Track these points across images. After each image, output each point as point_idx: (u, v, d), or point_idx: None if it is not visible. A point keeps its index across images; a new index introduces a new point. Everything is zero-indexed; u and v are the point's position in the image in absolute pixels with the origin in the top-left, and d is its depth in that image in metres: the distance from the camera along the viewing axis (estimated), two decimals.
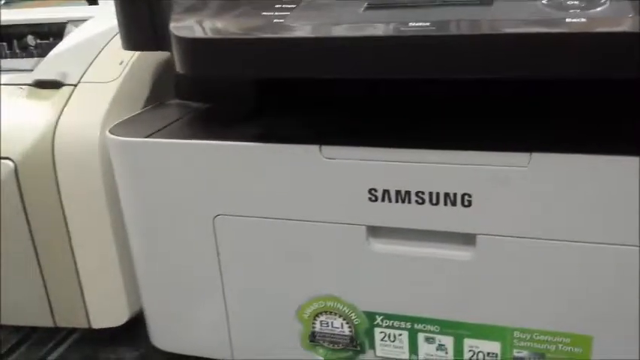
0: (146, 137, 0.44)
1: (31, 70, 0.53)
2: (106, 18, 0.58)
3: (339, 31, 0.34)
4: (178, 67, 0.38)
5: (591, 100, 0.41)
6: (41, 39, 0.63)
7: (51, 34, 0.62)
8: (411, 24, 0.32)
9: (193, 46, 0.36)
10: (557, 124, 0.42)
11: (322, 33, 0.34)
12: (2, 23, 0.64)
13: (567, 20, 0.31)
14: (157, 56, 0.54)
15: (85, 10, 0.68)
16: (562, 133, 0.40)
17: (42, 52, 0.59)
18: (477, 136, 0.39)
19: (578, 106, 0.42)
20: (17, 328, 0.55)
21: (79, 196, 0.48)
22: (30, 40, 0.64)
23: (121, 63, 0.51)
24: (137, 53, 0.52)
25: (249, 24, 0.36)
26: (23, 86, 0.51)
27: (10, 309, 0.53)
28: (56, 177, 0.47)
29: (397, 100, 0.45)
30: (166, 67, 0.55)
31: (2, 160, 0.48)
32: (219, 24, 0.36)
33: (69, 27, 0.61)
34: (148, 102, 0.53)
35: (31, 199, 0.48)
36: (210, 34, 0.36)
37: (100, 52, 0.53)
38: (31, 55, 0.61)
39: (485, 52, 0.32)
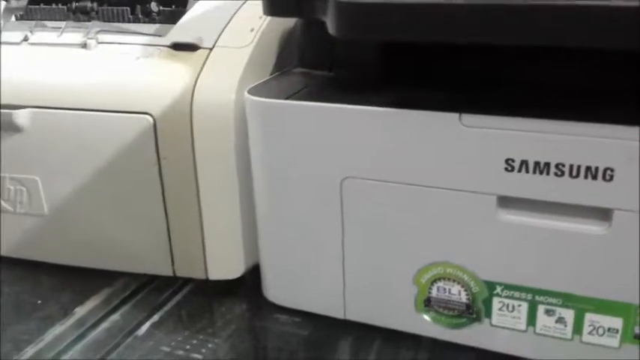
0: (284, 99, 0.46)
1: (157, 35, 0.56)
2: None
3: None
4: (334, 32, 0.40)
5: None
6: (164, 6, 0.66)
7: (174, 1, 0.65)
8: None
9: (355, 10, 0.38)
10: None
11: None
12: None
13: None
14: (283, 25, 0.57)
15: None
16: None
17: (164, 18, 0.62)
18: (624, 111, 0.40)
19: None
20: (138, 276, 0.58)
21: (211, 154, 0.51)
22: (153, 6, 0.67)
23: (251, 30, 0.54)
24: (266, 21, 0.55)
25: None
26: (161, 47, 0.54)
27: (134, 257, 0.57)
28: (192, 134, 0.50)
29: (534, 71, 0.45)
30: (291, 36, 0.57)
31: (142, 115, 0.51)
32: None
33: None
34: (274, 69, 0.55)
35: (166, 153, 0.51)
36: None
37: (231, 19, 0.55)
38: (154, 21, 0.65)
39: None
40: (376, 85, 0.48)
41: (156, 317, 0.54)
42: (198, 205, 0.52)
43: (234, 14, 0.56)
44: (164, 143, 0.51)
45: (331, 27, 0.40)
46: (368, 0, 0.38)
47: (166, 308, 0.55)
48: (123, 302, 0.56)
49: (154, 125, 0.51)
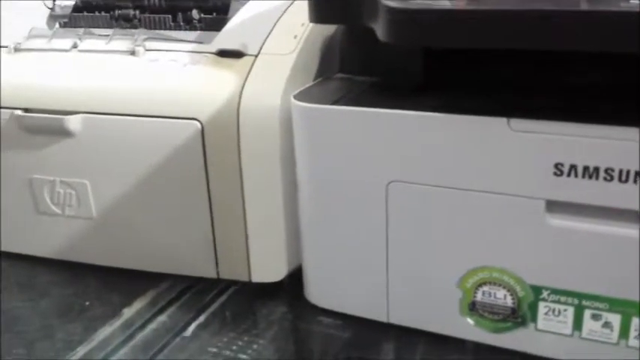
0: (329, 105, 0.47)
1: (198, 42, 0.58)
2: None
3: (550, 4, 0.36)
4: (385, 37, 0.40)
5: None
6: (205, 13, 0.68)
7: (215, 9, 0.67)
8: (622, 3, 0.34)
9: (407, 17, 0.39)
10: None
11: (535, 6, 0.36)
12: None
13: None
14: (325, 32, 0.58)
15: None
16: None
17: (205, 25, 0.64)
18: None
19: None
20: (183, 278, 0.59)
21: (256, 158, 0.52)
22: (195, 14, 0.69)
23: (295, 37, 0.55)
24: (308, 28, 0.56)
25: None
26: (208, 54, 0.56)
27: (180, 260, 0.58)
28: (238, 139, 0.51)
29: (579, 76, 0.45)
30: (332, 42, 0.58)
31: (190, 121, 0.52)
32: None
33: (234, 4, 0.65)
34: (317, 75, 0.56)
35: (212, 158, 0.53)
36: (421, 6, 0.38)
37: (275, 26, 0.57)
38: (195, 29, 0.66)
39: None
40: (418, 90, 0.49)
41: (201, 318, 0.55)
42: (243, 208, 0.54)
43: (278, 21, 0.57)
44: (211, 148, 0.52)
45: (382, 33, 0.41)
46: (419, 6, 0.38)
47: (211, 310, 0.56)
48: (169, 304, 0.57)
49: (202, 130, 0.52)
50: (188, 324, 0.54)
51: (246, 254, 0.55)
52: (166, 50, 0.58)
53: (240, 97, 0.51)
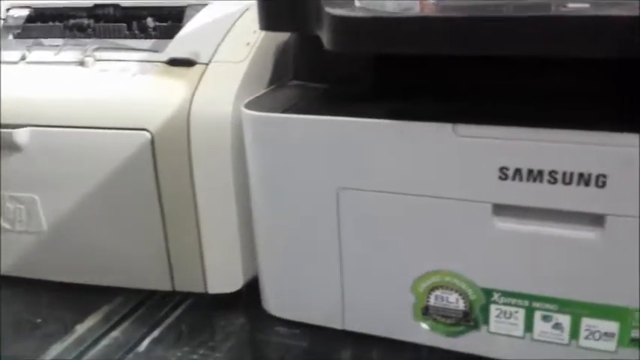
0: (280, 113, 0.47)
1: (153, 51, 0.57)
2: (225, 2, 0.61)
3: (497, 10, 0.36)
4: (329, 45, 0.40)
5: None
6: (160, 22, 0.67)
7: (170, 17, 0.66)
8: (570, 5, 0.34)
9: (350, 25, 0.39)
10: None
11: (477, 12, 0.37)
12: (124, 5, 0.68)
13: None
14: (278, 39, 0.57)
15: None
16: None
17: (160, 34, 0.63)
18: (615, 117, 0.40)
19: None
20: (137, 292, 0.58)
21: (208, 168, 0.51)
22: (149, 22, 0.68)
23: (247, 44, 0.55)
24: (261, 36, 0.56)
25: (401, 4, 0.38)
26: (158, 63, 0.55)
27: (133, 273, 0.57)
28: (189, 149, 0.51)
29: (526, 81, 0.46)
30: (286, 49, 0.58)
31: (139, 131, 0.51)
32: (371, 3, 0.39)
33: (188, 11, 0.65)
34: (270, 82, 0.56)
35: (164, 168, 0.52)
36: (365, 13, 0.38)
37: (227, 33, 0.56)
38: (149, 37, 0.65)
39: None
40: (370, 97, 0.49)
41: (156, 333, 0.54)
42: (197, 219, 0.53)
43: (230, 29, 0.57)
44: (162, 159, 0.52)
45: (326, 41, 0.41)
46: (361, 14, 0.39)
47: (166, 323, 0.55)
48: (123, 319, 0.56)
49: (152, 141, 0.51)
50: (142, 339, 0.53)
51: (201, 265, 0.55)
52: (117, 60, 0.57)
53: (190, 106, 0.51)
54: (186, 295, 0.58)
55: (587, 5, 0.34)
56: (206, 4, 0.64)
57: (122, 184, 0.53)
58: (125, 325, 0.55)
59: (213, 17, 0.59)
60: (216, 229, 0.53)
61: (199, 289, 0.56)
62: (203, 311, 0.57)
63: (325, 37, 0.41)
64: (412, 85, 0.50)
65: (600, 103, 0.43)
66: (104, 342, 0.53)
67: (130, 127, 0.51)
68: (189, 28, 0.58)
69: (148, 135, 0.51)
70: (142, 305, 0.58)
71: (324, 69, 0.54)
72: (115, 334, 0.54)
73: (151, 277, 0.56)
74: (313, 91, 0.54)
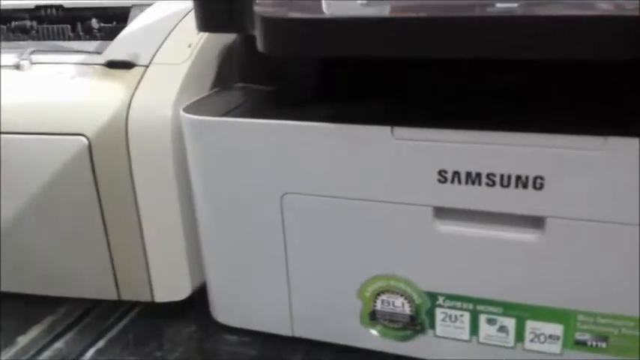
0: (220, 116, 0.46)
1: (98, 52, 0.55)
2: (171, 2, 0.60)
3: (427, 11, 0.35)
4: (262, 48, 0.39)
5: None
6: (105, 22, 0.65)
7: (115, 17, 0.64)
8: (498, 4, 0.33)
9: (278, 26, 0.37)
10: (631, 107, 0.42)
11: (405, 13, 0.36)
12: (67, 6, 0.66)
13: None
14: (223, 40, 0.56)
15: None
16: (635, 116, 0.40)
17: (105, 35, 0.61)
18: (552, 119, 0.40)
19: None
20: (82, 301, 0.57)
21: (149, 173, 0.50)
22: (94, 23, 0.66)
23: (189, 46, 0.53)
24: (204, 37, 0.54)
25: (330, 5, 0.37)
26: (96, 66, 0.53)
27: (77, 282, 0.55)
28: (128, 154, 0.49)
29: (466, 83, 0.46)
30: (230, 51, 0.57)
31: (76, 137, 0.50)
32: (301, 5, 0.37)
33: (133, 11, 0.63)
34: (213, 85, 0.55)
35: (103, 174, 0.50)
36: (294, 15, 0.37)
37: (169, 34, 0.54)
38: (95, 38, 0.64)
39: (569, 34, 0.33)
40: (313, 99, 0.48)
41: (101, 343, 0.52)
42: (140, 226, 0.51)
43: (172, 30, 0.55)
44: (100, 164, 0.50)
45: (258, 42, 0.39)
46: (293, 15, 0.37)
47: (112, 333, 0.54)
48: (67, 329, 0.54)
49: (89, 146, 0.49)
50: (86, 350, 0.52)
51: (146, 273, 0.53)
52: (54, 63, 0.55)
53: (128, 110, 0.49)
54: (135, 304, 0.56)
55: (515, 5, 0.33)
56: (151, 4, 0.62)
57: (61, 192, 0.51)
58: (69, 335, 0.54)
59: (156, 18, 0.57)
60: (161, 236, 0.52)
61: (146, 298, 0.54)
62: (151, 320, 0.55)
63: (257, 38, 0.39)
64: (357, 87, 0.49)
65: (541, 104, 0.43)
66: (47, 353, 0.51)
67: (66, 132, 0.49)
68: (130, 29, 0.57)
69: (84, 140, 0.49)
70: (88, 315, 0.56)
71: (269, 71, 0.53)
72: (58, 345, 0.52)
73: (96, 286, 0.55)
74: (258, 94, 0.52)
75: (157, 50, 0.53)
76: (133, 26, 0.57)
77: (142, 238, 0.52)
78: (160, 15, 0.58)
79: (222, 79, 0.55)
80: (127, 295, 0.55)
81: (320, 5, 0.38)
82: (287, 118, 0.44)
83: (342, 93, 0.49)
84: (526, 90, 0.45)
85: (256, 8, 0.39)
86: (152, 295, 0.54)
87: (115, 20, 0.64)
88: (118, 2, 0.65)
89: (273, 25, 0.38)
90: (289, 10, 0.38)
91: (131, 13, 0.63)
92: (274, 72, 0.53)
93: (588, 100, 0.43)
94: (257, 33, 0.39)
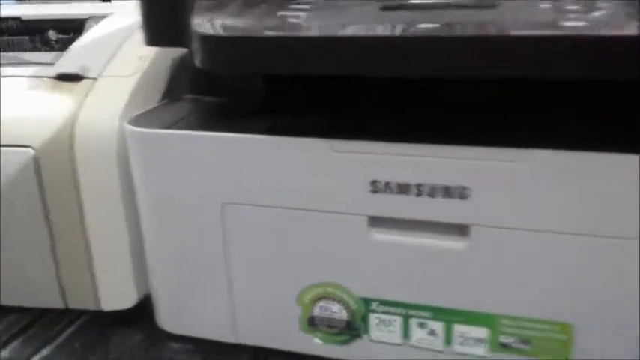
0: (162, 129, 0.47)
1: (52, 64, 0.56)
2: (126, 14, 0.61)
3: (352, 30, 0.37)
4: (197, 63, 0.41)
5: (591, 98, 0.45)
6: (62, 34, 0.66)
7: (72, 29, 0.65)
8: (420, 25, 0.35)
9: (212, 43, 0.39)
10: (555, 120, 0.45)
11: (334, 32, 0.38)
12: (26, 18, 0.67)
13: (567, 24, 0.34)
14: (174, 53, 0.57)
15: (106, 6, 0.71)
16: (559, 129, 0.43)
17: (63, 46, 0.62)
18: (476, 132, 0.42)
19: (577, 103, 0.46)
20: (29, 310, 0.57)
21: (95, 184, 0.51)
22: (51, 34, 0.67)
23: (140, 58, 0.54)
24: (156, 49, 0.55)
25: (264, 23, 0.39)
26: (46, 78, 0.54)
27: (23, 291, 0.55)
28: (74, 165, 0.50)
29: (401, 96, 0.48)
30: (182, 63, 0.58)
31: (23, 149, 0.50)
32: (237, 22, 0.39)
33: (89, 23, 0.64)
34: (164, 96, 0.56)
35: (49, 186, 0.51)
36: (227, 32, 0.39)
37: (121, 47, 0.56)
38: (53, 49, 0.65)
39: (489, 53, 0.35)
40: (258, 112, 0.50)
41: (45, 351, 0.53)
42: (86, 235, 0.52)
43: (124, 42, 0.57)
44: (47, 176, 0.51)
45: (195, 58, 0.41)
46: (228, 33, 0.39)
47: (58, 341, 0.54)
48: (13, 337, 0.55)
49: (35, 158, 0.50)
50: (30, 357, 0.52)
51: (93, 282, 0.54)
52: (5, 76, 0.55)
53: (74, 122, 0.50)
54: (82, 313, 0.57)
55: (437, 25, 0.36)
56: (107, 15, 0.64)
57: (7, 203, 0.52)
58: (15, 343, 0.54)
59: (109, 30, 0.59)
60: (107, 245, 0.53)
61: (92, 306, 0.55)
62: (98, 328, 0.56)
63: (194, 54, 0.41)
64: (301, 99, 0.51)
65: (468, 118, 0.45)
66: None
67: (13, 143, 0.50)
68: (83, 41, 0.58)
69: (31, 152, 0.50)
70: (35, 324, 0.56)
71: (217, 83, 0.55)
72: (4, 353, 0.53)
73: (42, 295, 0.55)
74: (205, 106, 0.54)
75: (108, 63, 0.54)
76: (87, 38, 0.58)
77: (88, 248, 0.53)
78: (113, 27, 0.59)
79: (174, 91, 0.57)
80: (74, 304, 0.55)
81: (254, 23, 0.40)
82: (229, 130, 0.45)
83: (288, 106, 0.51)
84: (455, 104, 0.47)
85: (193, 23, 0.40)
86: (99, 304, 0.55)
87: (73, 32, 0.65)
88: (75, 13, 0.66)
89: (205, 41, 0.39)
90: (224, 27, 0.40)
91: (87, 25, 0.64)
92: (222, 84, 0.54)
93: (514, 113, 0.45)
94: (193, 48, 0.41)
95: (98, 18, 0.64)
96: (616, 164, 0.38)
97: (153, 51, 0.56)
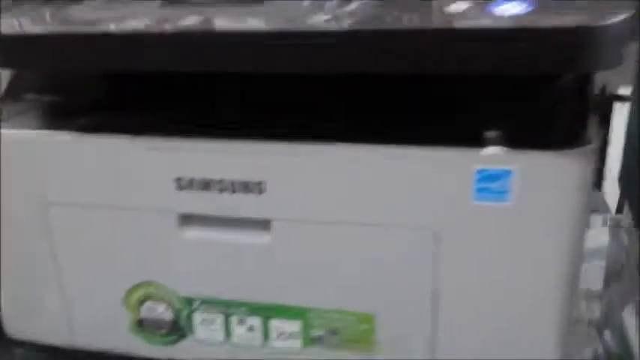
0: None
1: None
2: None
3: (135, 25, 0.38)
4: None
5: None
6: None
7: None
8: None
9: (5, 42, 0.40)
10: (360, 115, 0.45)
11: (123, 27, 0.38)
12: None
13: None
14: None
15: None
16: (362, 122, 0.43)
17: None
18: (277, 127, 0.42)
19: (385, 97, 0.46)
20: None
21: None
22: None
23: None
24: None
25: (55, 20, 0.40)
26: None
27: None
28: None
29: (229, 93, 0.48)
30: None
31: None
32: (23, 20, 0.40)
33: None
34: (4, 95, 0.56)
35: None
36: (12, 31, 0.39)
37: None
38: None
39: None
40: (82, 109, 0.49)
41: None
42: None
43: None
44: None
45: None
46: (13, 31, 0.39)
47: None
48: None
49: None
50: None
51: None
52: None
53: None
54: None
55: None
56: None
57: None
58: None
59: None
60: None
61: None
62: None
63: None
64: (138, 96, 0.51)
65: (276, 113, 0.46)
66: None
67: None
68: None
69: None
70: None
71: (52, 81, 0.54)
72: None
73: None
74: (39, 104, 0.54)
75: None
76: None
77: None
78: None
79: (13, 90, 0.56)
80: None
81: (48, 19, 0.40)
82: (52, 128, 0.45)
83: (123, 102, 0.50)
84: (263, 99, 0.47)
85: None
86: None
87: None
88: None
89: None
90: (20, 24, 0.40)
91: None
92: (59, 81, 0.54)
93: (322, 107, 0.46)
94: None
95: None
96: (408, 157, 0.39)
97: None
